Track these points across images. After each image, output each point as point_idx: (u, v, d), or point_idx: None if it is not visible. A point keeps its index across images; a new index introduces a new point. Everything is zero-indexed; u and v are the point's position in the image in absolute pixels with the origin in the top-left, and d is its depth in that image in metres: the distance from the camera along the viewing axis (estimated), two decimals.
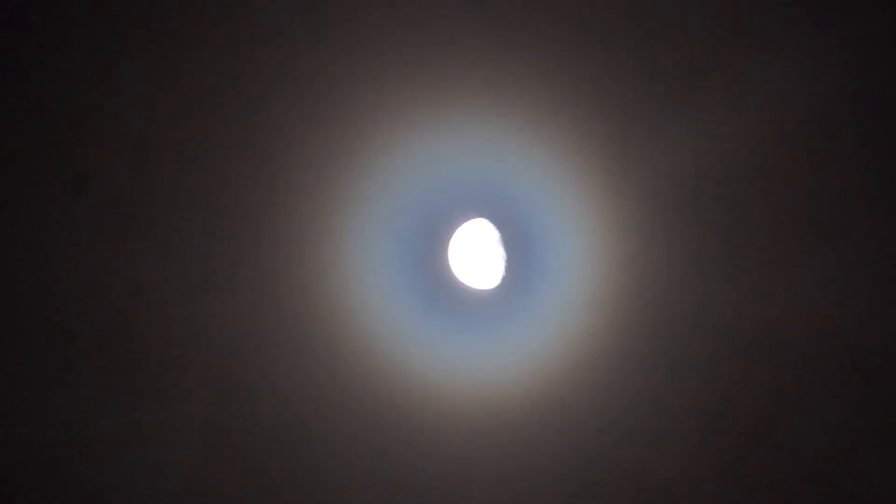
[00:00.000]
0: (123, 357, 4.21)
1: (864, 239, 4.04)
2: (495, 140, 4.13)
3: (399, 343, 4.25)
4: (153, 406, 4.24)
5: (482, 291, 4.25)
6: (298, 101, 4.11)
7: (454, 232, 4.22)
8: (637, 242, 4.15)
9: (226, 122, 4.12)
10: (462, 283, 4.25)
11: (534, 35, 4.04)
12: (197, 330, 4.22)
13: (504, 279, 4.23)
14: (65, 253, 4.12)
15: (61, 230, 4.10)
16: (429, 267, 4.24)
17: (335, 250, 4.21)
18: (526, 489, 4.34)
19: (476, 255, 4.22)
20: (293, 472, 4.31)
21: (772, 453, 4.17)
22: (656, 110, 4.04)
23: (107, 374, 4.21)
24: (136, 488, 4.28)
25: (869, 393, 4.10)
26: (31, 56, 4.01)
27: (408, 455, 4.30)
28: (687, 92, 4.03)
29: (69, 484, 4.25)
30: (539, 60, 4.03)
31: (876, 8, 3.96)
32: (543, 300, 4.22)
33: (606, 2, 3.96)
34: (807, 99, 4.00)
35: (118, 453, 4.26)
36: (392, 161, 4.14)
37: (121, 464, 4.27)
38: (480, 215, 4.22)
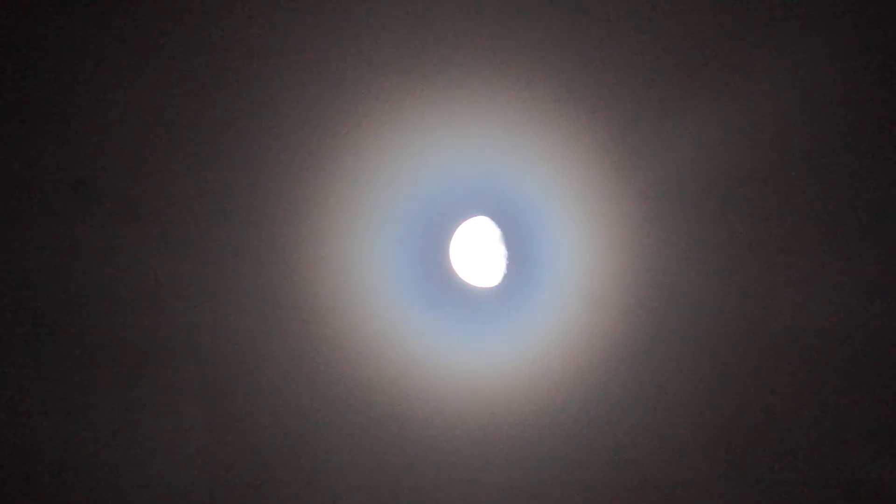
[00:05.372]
0: (123, 358, 4.20)
1: (865, 239, 4.04)
2: (497, 138, 4.13)
3: (401, 341, 4.25)
4: (153, 407, 4.23)
5: (484, 289, 4.25)
6: (299, 101, 4.10)
7: (456, 230, 4.22)
8: (638, 241, 4.15)
9: (226, 121, 4.11)
10: (464, 281, 4.25)
11: (535, 34, 4.04)
12: (197, 330, 4.21)
13: (505, 277, 4.23)
14: (65, 253, 4.11)
15: (61, 230, 4.09)
16: (430, 265, 4.24)
17: (337, 249, 4.20)
18: (526, 487, 4.34)
19: (478, 252, 4.22)
20: (294, 470, 4.30)
21: (773, 453, 4.18)
22: (658, 109, 4.05)
23: (106, 374, 4.20)
24: (135, 491, 4.27)
25: (869, 393, 4.11)
26: (31, 56, 3.99)
27: (409, 453, 4.29)
28: (688, 91, 4.03)
29: (67, 487, 4.24)
30: (541, 60, 4.03)
31: (875, 9, 3.97)
32: (545, 298, 4.22)
33: (608, 1, 3.97)
34: (807, 99, 4.01)
35: (117, 455, 4.25)
36: (393, 159, 4.14)
37: (119, 466, 4.25)
38: (482, 213, 4.22)
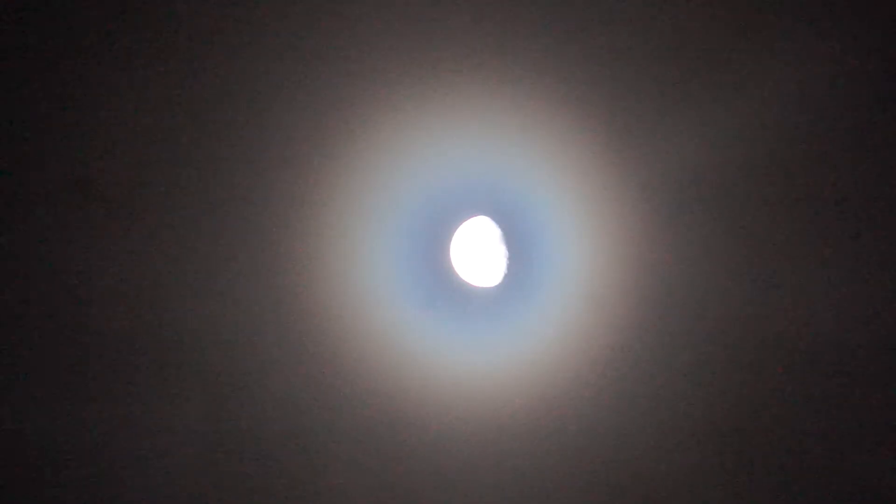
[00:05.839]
0: (122, 358, 4.19)
1: (865, 238, 4.06)
2: (497, 138, 4.13)
3: (401, 341, 4.24)
4: (153, 406, 4.22)
5: (484, 289, 4.25)
6: (300, 102, 4.10)
7: (456, 230, 4.21)
8: (638, 240, 4.16)
9: (226, 122, 4.10)
10: (464, 281, 4.25)
11: (535, 34, 4.04)
12: (197, 330, 4.20)
13: (506, 277, 4.23)
14: (65, 253, 4.09)
15: (62, 229, 4.08)
16: (431, 265, 4.24)
17: (337, 249, 4.20)
18: (526, 486, 4.34)
19: (478, 252, 4.22)
20: (293, 469, 4.30)
21: (773, 453, 4.18)
22: (658, 109, 4.06)
23: (106, 373, 4.18)
24: (134, 490, 4.26)
25: (869, 393, 4.12)
26: (32, 57, 3.98)
27: (409, 453, 4.29)
28: (688, 91, 4.04)
29: (67, 485, 4.22)
30: (541, 60, 4.03)
31: (874, 8, 3.98)
32: (545, 298, 4.22)
33: (609, 2, 3.97)
34: (806, 98, 4.02)
35: (116, 454, 4.23)
36: (394, 159, 4.13)
37: (118, 464, 4.24)
38: (482, 213, 4.21)
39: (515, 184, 4.17)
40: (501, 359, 4.26)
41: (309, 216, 4.17)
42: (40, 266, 4.09)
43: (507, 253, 4.22)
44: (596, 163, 4.12)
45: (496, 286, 4.25)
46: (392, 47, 4.06)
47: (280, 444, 4.27)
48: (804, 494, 4.19)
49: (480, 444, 4.29)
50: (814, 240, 4.10)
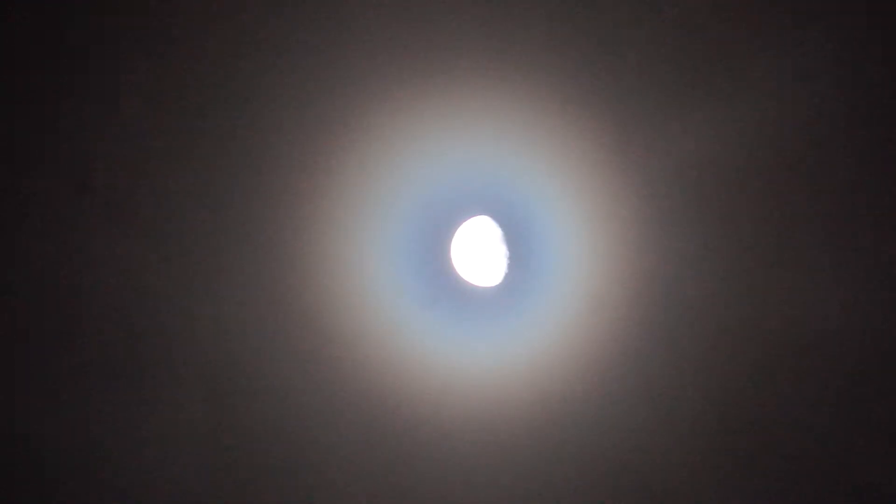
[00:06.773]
0: (123, 358, 4.19)
1: (866, 238, 4.05)
2: (498, 138, 4.12)
3: (401, 340, 4.24)
4: (153, 406, 4.22)
5: (484, 289, 4.25)
6: (300, 101, 4.09)
7: (456, 229, 4.21)
8: (639, 240, 4.15)
9: (227, 122, 4.10)
10: (464, 281, 4.25)
11: (536, 34, 4.03)
12: (197, 331, 4.20)
13: (506, 277, 4.23)
14: (65, 253, 4.09)
15: (62, 230, 4.08)
16: (431, 264, 4.24)
17: (337, 249, 4.20)
18: (526, 486, 4.34)
19: (478, 252, 4.22)
20: (294, 468, 4.30)
21: (773, 453, 4.19)
22: (659, 109, 4.05)
23: (106, 375, 4.18)
24: (135, 488, 4.26)
25: (869, 393, 4.12)
26: (32, 58, 3.98)
27: (410, 453, 4.29)
28: (689, 91, 4.03)
29: (68, 484, 4.23)
30: (543, 59, 4.03)
31: (875, 9, 3.98)
32: (545, 298, 4.22)
33: (609, 2, 3.97)
34: (808, 97, 4.02)
35: (117, 454, 4.24)
36: (395, 159, 4.13)
37: (119, 464, 4.24)
38: (483, 213, 4.21)
39: (516, 184, 4.17)
40: (501, 359, 4.26)
41: (309, 216, 4.17)
42: (40, 266, 4.09)
43: (507, 253, 4.22)
44: (596, 163, 4.12)
45: (496, 286, 4.25)
46: (392, 47, 4.05)
47: (280, 443, 4.28)
48: (804, 493, 4.19)
49: (480, 443, 4.29)
50: (815, 240, 4.10)
